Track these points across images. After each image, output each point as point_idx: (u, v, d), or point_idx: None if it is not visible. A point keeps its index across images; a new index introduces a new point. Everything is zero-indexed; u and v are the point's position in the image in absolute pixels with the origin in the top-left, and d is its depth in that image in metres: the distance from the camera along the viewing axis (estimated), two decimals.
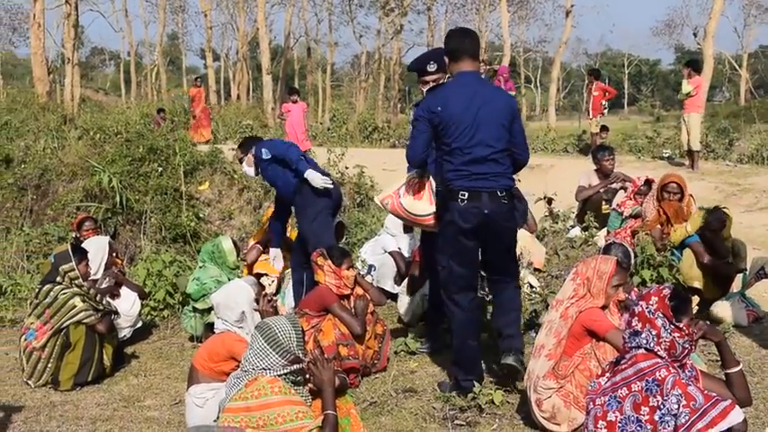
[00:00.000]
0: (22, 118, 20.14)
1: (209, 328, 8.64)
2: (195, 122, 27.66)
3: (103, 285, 8.89)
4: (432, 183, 7.50)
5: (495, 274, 7.23)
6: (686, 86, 19.46)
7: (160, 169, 14.31)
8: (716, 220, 8.84)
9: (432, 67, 7.92)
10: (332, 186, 9.05)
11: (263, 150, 9.29)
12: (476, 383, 6.90)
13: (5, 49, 71.02)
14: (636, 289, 7.53)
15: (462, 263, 6.94)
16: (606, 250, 7.32)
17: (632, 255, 7.68)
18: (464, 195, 6.75)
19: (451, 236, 6.89)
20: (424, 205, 7.50)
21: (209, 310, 8.72)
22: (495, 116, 6.88)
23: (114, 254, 9.87)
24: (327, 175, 9.14)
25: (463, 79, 7.04)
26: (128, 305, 9.09)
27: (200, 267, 9.57)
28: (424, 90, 7.93)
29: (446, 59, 7.14)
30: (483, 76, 21.30)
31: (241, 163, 9.71)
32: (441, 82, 7.79)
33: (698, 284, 8.86)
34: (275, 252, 9.92)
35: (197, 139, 25.63)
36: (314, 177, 8.88)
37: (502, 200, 6.85)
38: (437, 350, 8.28)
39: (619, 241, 8.17)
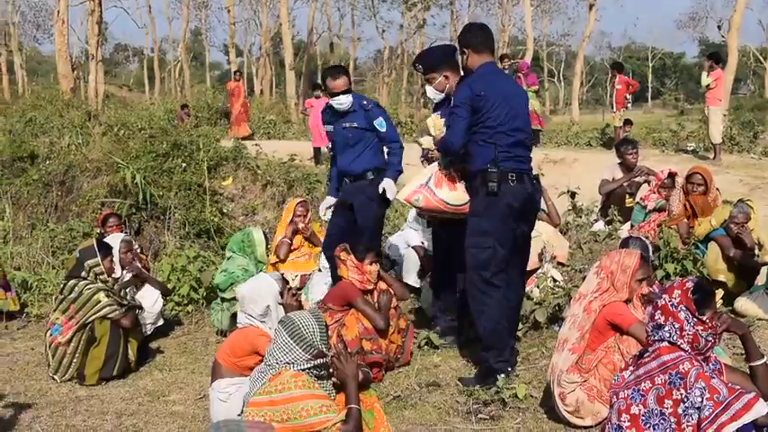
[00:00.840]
0: (47, 114, 20.20)
1: (236, 321, 8.67)
2: (236, 117, 27.04)
3: (126, 279, 8.96)
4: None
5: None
6: (705, 79, 19.44)
7: (184, 165, 14.35)
8: (741, 213, 8.82)
9: (419, 69, 8.25)
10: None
11: (381, 119, 8.92)
12: (508, 369, 7.05)
13: (30, 45, 71.50)
14: (657, 282, 7.51)
15: (505, 244, 7.10)
16: (624, 244, 7.31)
17: (650, 248, 7.69)
18: (513, 177, 7.01)
19: (501, 217, 7.04)
20: (460, 195, 7.65)
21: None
22: (524, 105, 7.38)
23: (139, 249, 9.93)
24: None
25: (493, 68, 7.40)
26: (150, 302, 9.14)
27: (228, 259, 9.62)
28: (428, 88, 8.24)
29: (467, 51, 7.32)
30: (506, 71, 21.39)
31: (344, 93, 8.92)
32: (437, 80, 8.04)
33: (723, 278, 8.83)
34: (330, 201, 9.39)
35: (237, 135, 25.52)
36: (391, 188, 8.81)
37: (534, 182, 7.25)
38: (460, 344, 8.32)
39: (636, 235, 8.19)
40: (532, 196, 7.25)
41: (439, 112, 8.29)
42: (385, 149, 9.03)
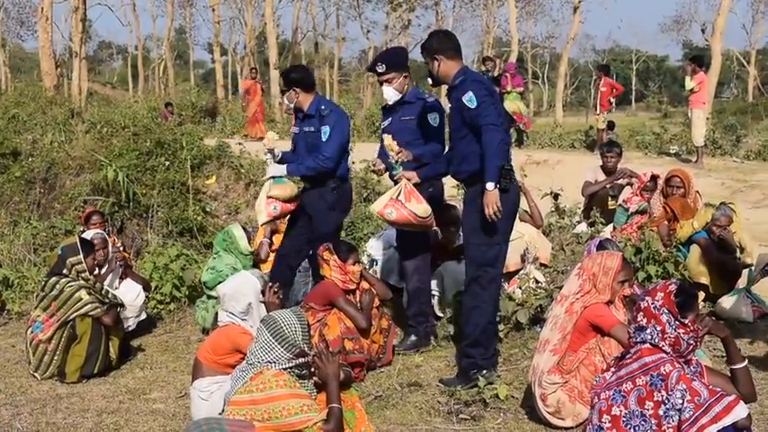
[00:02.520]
0: (30, 111, 20.15)
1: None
2: (252, 117, 26.51)
3: (109, 275, 8.96)
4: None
5: None
6: (689, 83, 19.55)
7: (167, 163, 14.30)
8: (723, 216, 8.85)
9: (380, 68, 8.18)
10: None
11: (327, 127, 8.51)
12: (491, 367, 7.18)
13: (13, 42, 71.18)
14: (637, 283, 7.54)
15: (507, 241, 7.28)
16: (600, 248, 7.32)
17: (620, 249, 7.77)
18: (513, 176, 7.14)
19: (509, 214, 7.11)
20: (425, 207, 7.71)
21: None
22: None
23: (122, 247, 9.89)
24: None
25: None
26: (132, 296, 9.13)
27: (215, 258, 9.61)
28: (386, 89, 8.20)
29: (440, 59, 7.25)
30: (490, 73, 21.45)
31: (283, 94, 8.77)
32: (397, 80, 8.10)
33: (705, 280, 8.87)
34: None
35: (253, 135, 25.21)
36: (276, 169, 8.55)
37: None
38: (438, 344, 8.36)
39: (604, 237, 8.24)
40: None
41: (390, 119, 8.34)
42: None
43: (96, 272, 8.71)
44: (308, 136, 8.64)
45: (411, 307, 8.47)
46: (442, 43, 7.30)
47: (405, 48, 8.76)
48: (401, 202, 7.71)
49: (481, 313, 7.16)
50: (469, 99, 6.98)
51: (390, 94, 8.18)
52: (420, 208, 7.70)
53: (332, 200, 8.58)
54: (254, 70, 30.17)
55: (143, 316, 9.41)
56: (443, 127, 8.26)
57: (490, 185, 6.79)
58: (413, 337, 8.40)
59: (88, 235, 9.20)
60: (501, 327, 8.16)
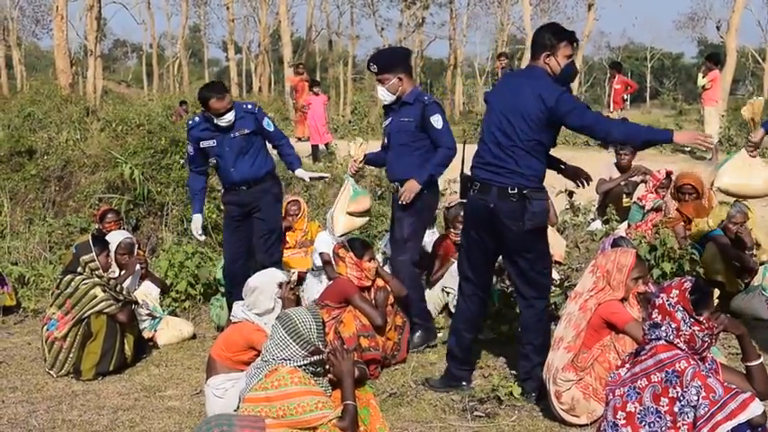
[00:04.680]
0: (45, 110, 20.12)
1: None
2: (301, 116, 25.37)
3: (127, 281, 8.98)
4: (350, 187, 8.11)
5: None
6: (701, 80, 19.55)
7: (182, 161, 14.32)
8: (739, 213, 8.84)
9: (373, 68, 8.17)
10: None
11: (267, 119, 8.97)
12: (471, 377, 7.22)
13: (28, 40, 71.38)
14: (651, 280, 7.53)
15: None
16: (614, 245, 7.31)
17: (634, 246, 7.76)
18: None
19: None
20: (331, 213, 8.16)
21: None
22: None
23: (137, 245, 9.90)
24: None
25: None
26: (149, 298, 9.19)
27: None
28: (380, 89, 8.17)
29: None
30: (505, 70, 21.35)
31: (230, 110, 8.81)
32: (390, 81, 8.02)
33: (720, 278, 8.85)
34: (199, 219, 9.33)
35: (302, 134, 24.66)
36: (307, 174, 9.18)
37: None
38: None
39: (619, 234, 8.23)
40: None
41: (391, 118, 8.28)
42: (270, 147, 9.22)
43: (116, 274, 8.76)
44: (241, 139, 8.84)
45: (412, 311, 8.43)
46: None
47: (402, 48, 8.62)
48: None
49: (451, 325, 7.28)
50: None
51: (383, 94, 8.15)
52: (329, 212, 8.12)
53: (277, 191, 9.04)
54: (300, 66, 29.03)
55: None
56: (448, 127, 8.14)
57: None
58: (419, 333, 8.39)
59: (117, 237, 9.23)
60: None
